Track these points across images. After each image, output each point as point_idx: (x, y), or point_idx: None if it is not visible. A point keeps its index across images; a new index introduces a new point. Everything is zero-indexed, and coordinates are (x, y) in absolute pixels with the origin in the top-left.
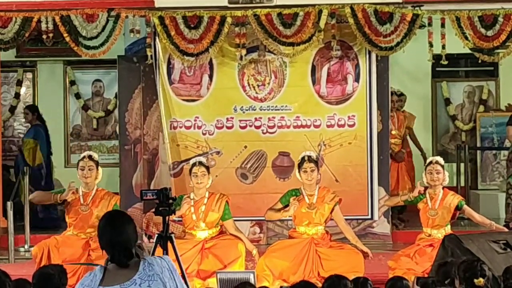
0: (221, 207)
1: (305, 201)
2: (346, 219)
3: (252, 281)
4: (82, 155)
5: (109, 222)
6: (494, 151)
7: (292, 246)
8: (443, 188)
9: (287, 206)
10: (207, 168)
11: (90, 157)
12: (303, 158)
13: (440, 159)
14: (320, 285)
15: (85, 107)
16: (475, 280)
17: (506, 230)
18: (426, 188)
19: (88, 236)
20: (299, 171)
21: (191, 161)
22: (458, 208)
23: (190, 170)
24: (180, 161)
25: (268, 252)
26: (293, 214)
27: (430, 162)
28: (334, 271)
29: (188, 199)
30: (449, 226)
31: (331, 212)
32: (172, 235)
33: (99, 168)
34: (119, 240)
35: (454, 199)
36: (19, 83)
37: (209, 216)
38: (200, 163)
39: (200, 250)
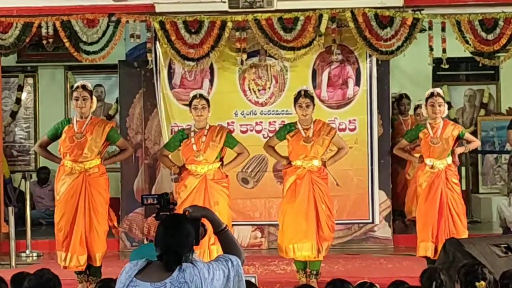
0: (222, 139)
1: (302, 134)
2: (347, 223)
3: None
4: (75, 85)
5: (164, 223)
6: (495, 155)
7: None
8: (443, 119)
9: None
10: (207, 100)
11: (83, 87)
12: (299, 92)
13: (440, 90)
14: None
15: None
16: (477, 284)
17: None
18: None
19: (82, 167)
20: (294, 106)
21: (191, 93)
22: (459, 137)
23: (190, 102)
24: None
25: (282, 229)
26: (289, 150)
27: (432, 95)
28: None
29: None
30: (450, 158)
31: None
32: None
33: (93, 97)
34: (168, 243)
35: (455, 129)
36: (20, 88)
37: (210, 148)
38: (201, 95)
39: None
